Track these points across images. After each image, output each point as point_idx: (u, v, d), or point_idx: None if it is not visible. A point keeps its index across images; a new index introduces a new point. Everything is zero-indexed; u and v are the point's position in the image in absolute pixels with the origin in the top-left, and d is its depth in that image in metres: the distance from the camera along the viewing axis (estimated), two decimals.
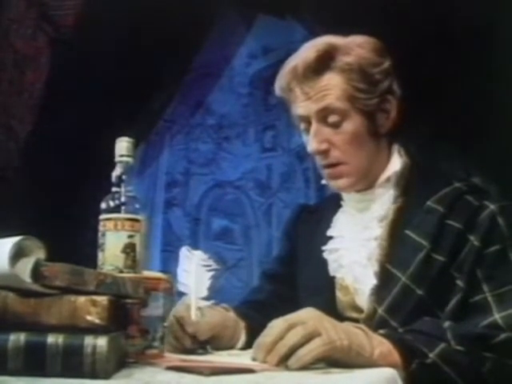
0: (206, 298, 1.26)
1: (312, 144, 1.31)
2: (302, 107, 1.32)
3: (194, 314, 1.23)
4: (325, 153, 1.31)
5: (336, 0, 2.39)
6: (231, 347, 1.33)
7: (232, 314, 1.37)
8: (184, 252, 1.31)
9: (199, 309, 1.24)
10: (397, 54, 1.35)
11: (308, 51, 1.31)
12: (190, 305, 1.24)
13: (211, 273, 1.28)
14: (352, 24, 1.38)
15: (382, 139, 1.35)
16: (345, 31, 1.35)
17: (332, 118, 1.29)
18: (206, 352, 1.24)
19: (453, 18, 2.23)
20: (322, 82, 1.29)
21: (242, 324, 1.37)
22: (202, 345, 1.24)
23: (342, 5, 2.31)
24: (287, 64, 1.33)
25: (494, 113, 2.20)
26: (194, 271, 1.26)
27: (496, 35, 2.19)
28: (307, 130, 1.34)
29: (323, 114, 1.30)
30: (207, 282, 1.27)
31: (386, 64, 1.32)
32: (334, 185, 1.35)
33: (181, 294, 1.28)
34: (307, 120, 1.33)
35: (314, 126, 1.31)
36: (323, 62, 1.29)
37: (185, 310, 1.24)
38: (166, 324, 1.21)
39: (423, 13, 2.23)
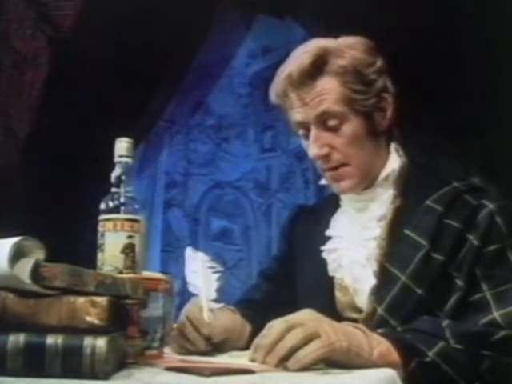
0: (215, 301, 1.25)
1: (313, 149, 1.31)
2: (299, 113, 1.31)
3: (206, 316, 1.22)
4: (326, 157, 1.31)
5: (335, 0, 2.39)
6: (235, 349, 1.33)
7: (239, 317, 1.37)
8: (189, 253, 1.31)
9: (211, 310, 1.24)
10: (398, 52, 1.35)
11: (301, 57, 1.30)
12: (202, 306, 1.23)
13: (217, 275, 1.27)
14: (352, 24, 1.38)
15: (380, 138, 1.35)
16: (344, 31, 1.35)
17: (331, 122, 1.29)
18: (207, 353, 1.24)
19: (454, 17, 2.23)
20: (317, 87, 1.29)
21: (248, 327, 1.37)
22: (214, 347, 1.23)
23: (341, 5, 2.31)
24: (281, 71, 1.33)
25: (494, 112, 2.21)
26: (202, 272, 1.26)
27: (496, 35, 2.19)
28: (306, 136, 1.33)
29: (322, 119, 1.29)
30: (214, 284, 1.26)
31: (379, 63, 1.32)
32: (337, 187, 1.35)
33: (187, 295, 1.28)
34: (305, 126, 1.32)
35: (314, 131, 1.31)
36: (317, 67, 1.28)
37: (198, 312, 1.23)
38: (175, 325, 1.20)
39: (424, 10, 2.23)
